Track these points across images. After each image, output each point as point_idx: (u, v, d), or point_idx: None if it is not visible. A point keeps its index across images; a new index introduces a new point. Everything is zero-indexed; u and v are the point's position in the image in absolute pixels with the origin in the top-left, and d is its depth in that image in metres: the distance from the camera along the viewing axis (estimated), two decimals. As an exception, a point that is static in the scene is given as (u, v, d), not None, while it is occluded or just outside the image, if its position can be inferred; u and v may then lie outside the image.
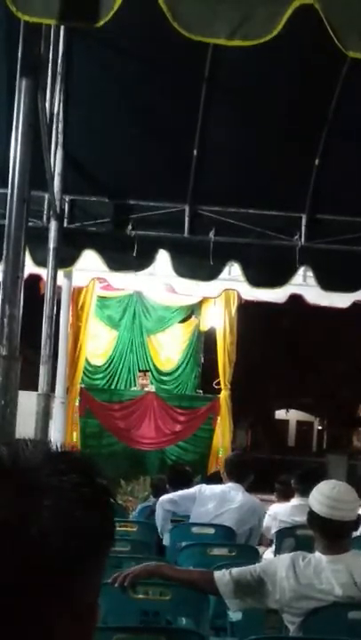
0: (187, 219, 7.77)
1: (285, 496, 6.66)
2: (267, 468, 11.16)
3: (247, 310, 11.73)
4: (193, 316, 13.04)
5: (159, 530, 5.32)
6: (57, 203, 7.37)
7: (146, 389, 11.75)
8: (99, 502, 0.87)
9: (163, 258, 7.77)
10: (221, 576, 2.99)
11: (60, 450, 0.89)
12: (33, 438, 0.91)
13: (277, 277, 7.93)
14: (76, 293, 9.93)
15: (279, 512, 5.59)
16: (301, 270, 7.95)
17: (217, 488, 5.34)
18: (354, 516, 3.01)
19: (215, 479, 6.55)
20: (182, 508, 5.29)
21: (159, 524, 5.35)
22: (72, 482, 0.84)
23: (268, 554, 5.17)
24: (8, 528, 0.79)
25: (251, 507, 5.18)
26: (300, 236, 7.80)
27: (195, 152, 7.47)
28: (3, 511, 0.80)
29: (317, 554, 2.99)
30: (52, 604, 0.80)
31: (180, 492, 5.39)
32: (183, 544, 4.65)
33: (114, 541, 0.89)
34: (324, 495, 3.00)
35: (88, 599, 0.84)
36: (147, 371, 12.34)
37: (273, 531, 5.40)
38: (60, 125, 7.24)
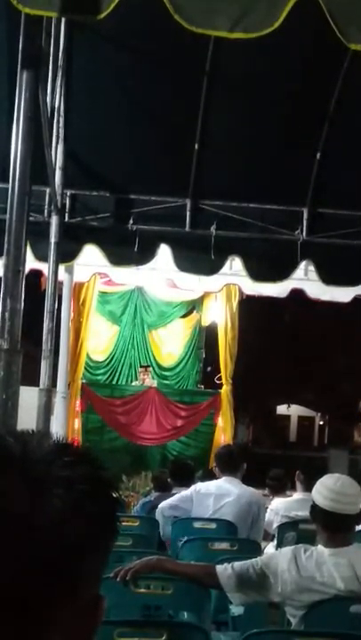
0: (188, 213, 7.76)
1: (277, 491, 6.68)
2: (268, 463, 11.13)
3: (249, 305, 11.70)
4: (194, 311, 13.02)
5: (162, 534, 5.29)
6: (58, 197, 7.36)
7: (147, 385, 11.75)
8: (106, 495, 0.86)
9: (164, 253, 7.76)
10: (223, 570, 2.99)
11: (64, 442, 0.88)
12: (36, 431, 0.90)
13: (279, 272, 7.92)
14: (78, 288, 9.90)
15: (281, 506, 5.59)
16: (303, 265, 7.93)
17: (212, 484, 5.34)
18: (357, 510, 3.01)
19: (215, 475, 6.56)
20: (182, 510, 5.28)
21: (162, 529, 5.32)
22: (81, 474, 0.83)
23: (269, 548, 5.16)
24: (19, 518, 0.79)
25: (248, 497, 5.18)
26: (302, 231, 7.79)
27: (196, 146, 7.46)
28: (14, 501, 0.79)
29: (320, 547, 2.98)
30: (55, 596, 0.79)
31: (177, 496, 5.38)
32: (185, 538, 4.65)
33: (118, 535, 0.88)
34: (328, 488, 3.00)
35: (91, 592, 0.84)
36: (148, 366, 12.34)
37: (275, 525, 5.40)
38: (61, 119, 7.23)
